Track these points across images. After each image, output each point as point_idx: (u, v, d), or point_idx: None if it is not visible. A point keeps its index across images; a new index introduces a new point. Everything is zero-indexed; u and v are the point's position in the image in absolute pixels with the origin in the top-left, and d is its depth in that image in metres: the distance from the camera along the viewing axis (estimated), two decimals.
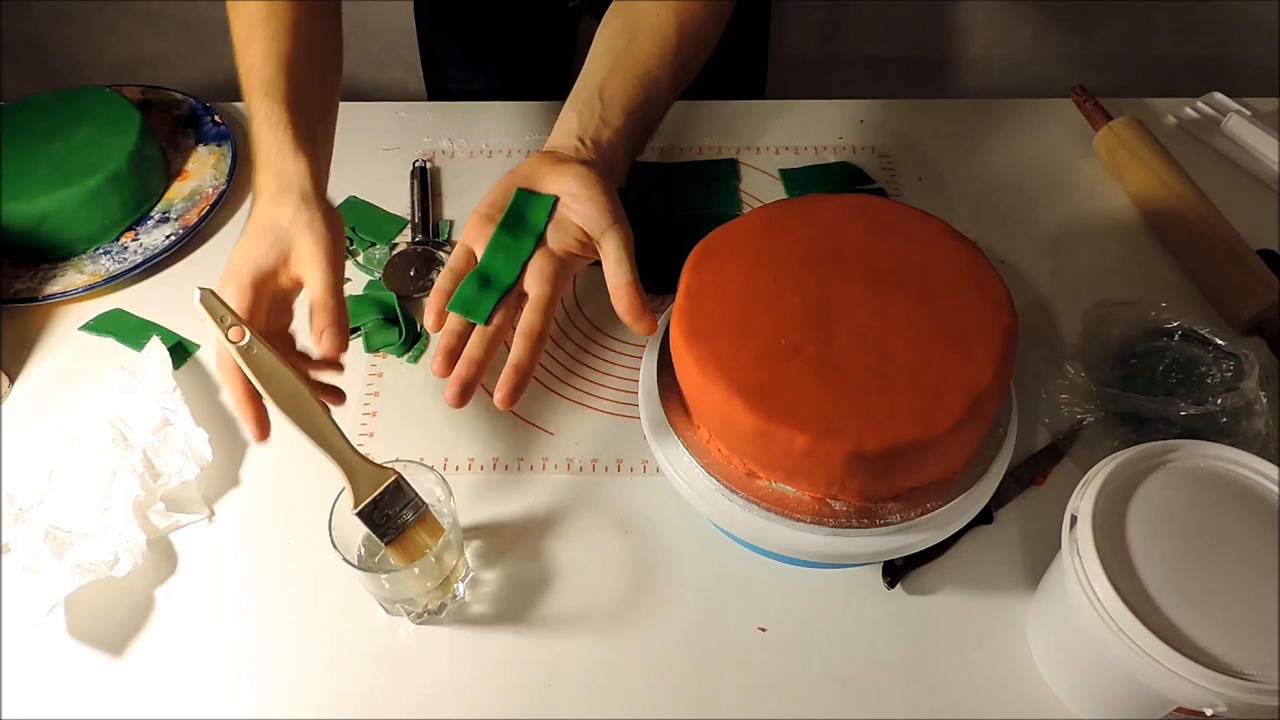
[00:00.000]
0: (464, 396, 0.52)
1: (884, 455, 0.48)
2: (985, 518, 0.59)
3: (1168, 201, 0.75)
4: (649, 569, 0.59)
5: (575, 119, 0.59)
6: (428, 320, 0.55)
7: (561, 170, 0.56)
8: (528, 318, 0.54)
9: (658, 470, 0.59)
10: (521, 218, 0.56)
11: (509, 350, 0.54)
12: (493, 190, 0.58)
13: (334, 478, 0.51)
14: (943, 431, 0.48)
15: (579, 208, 0.56)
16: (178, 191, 0.82)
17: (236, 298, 0.52)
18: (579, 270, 0.59)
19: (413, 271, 0.75)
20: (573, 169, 0.56)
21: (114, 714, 0.54)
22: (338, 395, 0.56)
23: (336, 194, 0.78)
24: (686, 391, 0.55)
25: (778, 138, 0.86)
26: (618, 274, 0.55)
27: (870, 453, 0.47)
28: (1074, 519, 0.49)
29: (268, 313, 0.54)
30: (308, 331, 0.54)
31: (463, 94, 1.01)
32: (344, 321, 0.54)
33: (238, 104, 0.90)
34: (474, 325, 0.54)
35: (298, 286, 0.55)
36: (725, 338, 0.52)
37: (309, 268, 0.53)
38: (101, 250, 0.77)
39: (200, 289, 0.50)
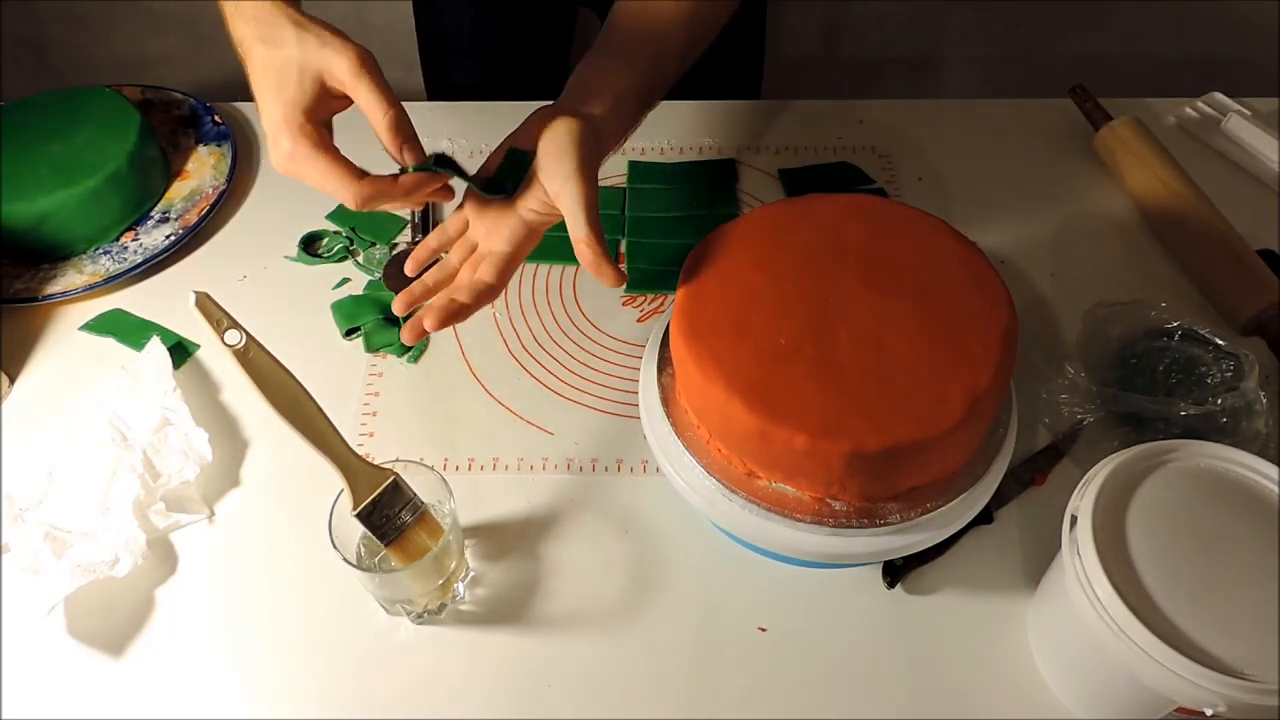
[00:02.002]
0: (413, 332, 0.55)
1: (884, 455, 0.48)
2: (985, 518, 0.59)
3: (1168, 201, 0.75)
4: (649, 569, 0.59)
5: (572, 97, 0.59)
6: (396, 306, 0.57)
7: (548, 121, 0.56)
8: (482, 273, 0.56)
9: (658, 470, 0.59)
10: (498, 180, 0.57)
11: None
12: (491, 156, 0.58)
13: (334, 477, 0.51)
14: (942, 432, 0.48)
15: (548, 164, 0.55)
16: (178, 191, 0.82)
17: (302, 140, 0.51)
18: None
19: None
20: (557, 120, 0.55)
21: (114, 714, 0.54)
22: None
23: None
24: (686, 391, 0.55)
25: (777, 138, 0.85)
26: (574, 230, 0.54)
27: (870, 453, 0.47)
28: (1074, 519, 0.48)
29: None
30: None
31: (461, 86, 1.01)
32: (412, 131, 0.53)
33: (238, 104, 0.90)
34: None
35: (345, 101, 0.53)
36: (725, 338, 0.52)
37: (359, 90, 0.51)
38: (101, 250, 0.77)
39: (195, 292, 0.50)
